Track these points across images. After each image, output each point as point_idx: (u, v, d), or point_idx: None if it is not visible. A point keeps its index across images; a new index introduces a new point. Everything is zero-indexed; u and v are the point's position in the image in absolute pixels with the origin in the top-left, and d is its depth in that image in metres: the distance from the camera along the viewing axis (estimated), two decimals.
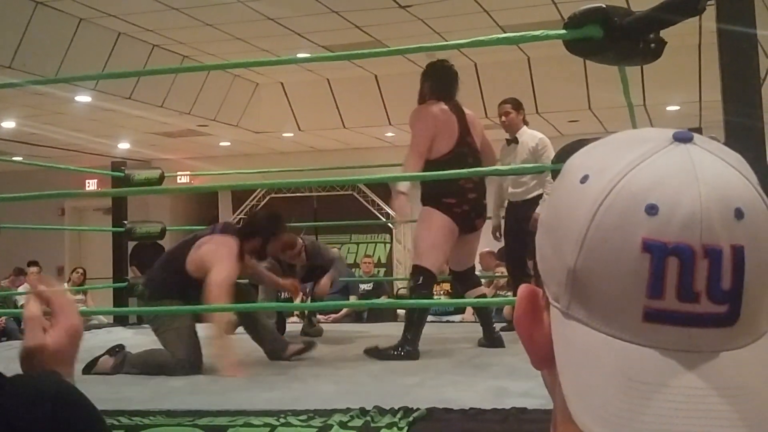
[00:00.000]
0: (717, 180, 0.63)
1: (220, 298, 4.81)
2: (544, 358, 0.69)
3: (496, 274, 10.46)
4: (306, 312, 7.18)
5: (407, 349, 5.08)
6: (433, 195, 5.46)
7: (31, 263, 12.63)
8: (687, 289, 0.61)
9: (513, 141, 6.82)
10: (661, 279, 0.61)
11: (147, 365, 4.88)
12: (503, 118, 6.97)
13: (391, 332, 6.67)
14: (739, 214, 0.62)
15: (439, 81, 5.64)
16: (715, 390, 0.60)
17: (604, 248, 0.63)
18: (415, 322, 5.23)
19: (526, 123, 7.01)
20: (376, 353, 5.10)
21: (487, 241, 12.70)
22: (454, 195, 5.41)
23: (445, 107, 5.52)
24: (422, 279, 5.35)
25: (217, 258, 4.98)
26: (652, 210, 0.62)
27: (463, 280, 5.94)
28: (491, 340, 5.55)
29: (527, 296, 0.71)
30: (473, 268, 5.96)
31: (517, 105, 7.00)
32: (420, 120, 5.49)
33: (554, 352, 0.67)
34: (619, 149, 0.66)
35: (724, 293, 0.61)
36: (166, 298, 5.11)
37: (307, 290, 10.73)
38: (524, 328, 0.71)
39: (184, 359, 4.82)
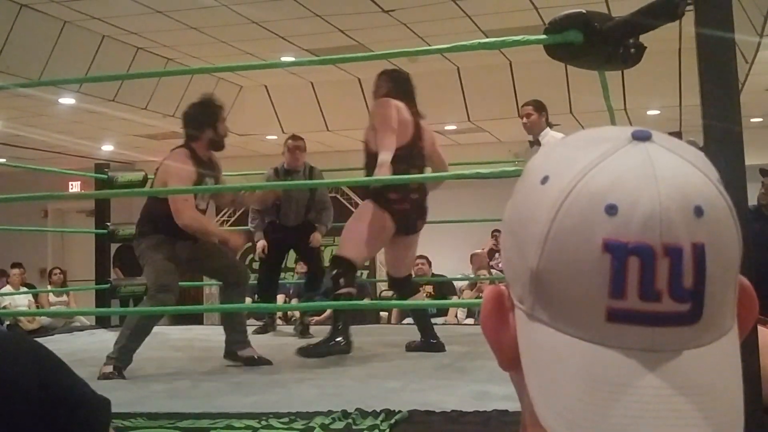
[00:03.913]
0: (676, 178, 0.63)
1: (184, 210, 5.13)
2: (510, 360, 0.69)
3: (480, 276, 10.49)
4: (299, 315, 7.16)
5: (338, 341, 5.09)
6: (376, 189, 5.36)
7: (14, 265, 12.58)
8: (649, 289, 0.61)
9: (535, 143, 6.72)
10: (623, 279, 0.61)
11: (128, 326, 5.03)
12: (524, 120, 6.90)
13: (373, 334, 6.69)
14: (698, 211, 0.62)
15: (401, 87, 5.58)
16: (679, 389, 0.61)
17: (565, 250, 0.63)
18: (341, 311, 5.25)
19: (550, 125, 6.91)
20: (306, 352, 5.11)
21: (480, 241, 12.82)
22: (399, 191, 5.33)
23: (402, 105, 5.45)
24: (343, 270, 5.27)
25: (171, 170, 5.24)
26: (611, 210, 0.62)
27: (399, 288, 5.86)
28: (429, 345, 5.55)
29: (493, 298, 0.70)
30: (411, 275, 5.92)
31: (540, 107, 6.91)
32: (386, 108, 5.39)
33: (520, 354, 0.67)
34: (578, 149, 0.66)
35: (686, 292, 0.61)
36: (152, 234, 5.25)
37: (291, 292, 10.71)
38: (490, 330, 0.71)
39: (162, 285, 5.06)
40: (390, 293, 12.66)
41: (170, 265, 5.20)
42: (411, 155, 5.39)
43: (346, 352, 5.07)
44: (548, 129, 6.80)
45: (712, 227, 0.62)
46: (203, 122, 5.35)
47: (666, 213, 0.61)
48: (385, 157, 5.15)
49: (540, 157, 0.69)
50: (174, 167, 5.23)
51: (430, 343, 5.56)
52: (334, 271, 5.34)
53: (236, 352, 5.21)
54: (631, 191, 0.62)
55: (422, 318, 5.81)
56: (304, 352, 5.10)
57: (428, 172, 5.69)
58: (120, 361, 4.84)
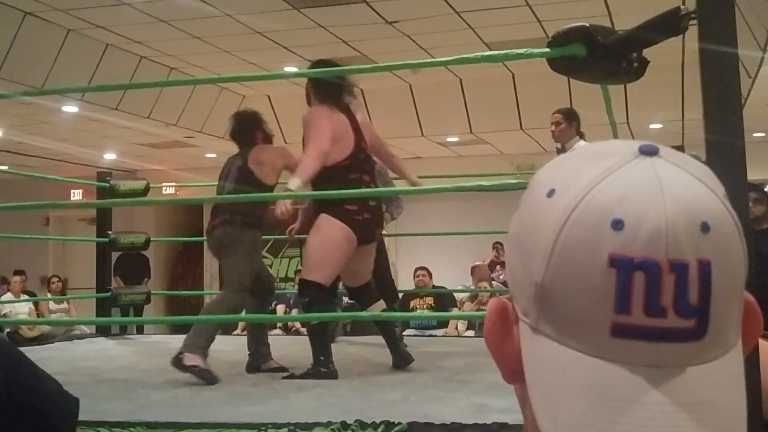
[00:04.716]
0: (683, 194, 0.62)
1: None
2: (514, 373, 0.69)
3: (480, 289, 10.48)
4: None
5: (322, 370, 4.85)
6: (333, 202, 5.04)
7: (17, 272, 12.62)
8: (654, 304, 0.61)
9: (562, 152, 6.60)
10: (628, 294, 0.61)
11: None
12: (553, 127, 6.73)
13: (373, 344, 6.68)
14: (705, 227, 0.62)
15: (324, 82, 5.25)
16: (683, 406, 0.60)
17: (570, 263, 0.63)
18: (319, 340, 4.97)
19: (581, 135, 6.70)
20: (292, 378, 4.90)
21: (482, 253, 12.82)
22: (356, 202, 5.06)
23: (337, 112, 5.17)
24: (315, 295, 5.03)
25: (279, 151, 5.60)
26: (617, 225, 0.61)
27: (360, 297, 5.57)
28: (402, 359, 5.25)
29: (497, 310, 0.70)
30: (371, 282, 5.57)
31: (569, 115, 6.76)
32: (318, 118, 5.07)
33: (523, 367, 0.67)
34: (585, 163, 0.66)
35: (691, 308, 0.61)
36: (252, 229, 5.38)
37: (291, 302, 10.69)
38: (494, 343, 0.70)
39: (246, 286, 5.23)
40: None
41: (254, 269, 5.38)
42: (359, 161, 5.19)
43: (332, 378, 4.83)
44: (579, 139, 6.59)
45: (718, 244, 0.62)
46: (253, 127, 5.68)
47: (672, 229, 0.61)
48: (301, 178, 4.89)
49: (547, 169, 0.69)
50: (277, 149, 5.63)
51: (401, 358, 5.26)
52: (306, 300, 5.08)
53: (260, 366, 5.28)
54: (638, 206, 0.62)
55: (388, 330, 5.40)
56: (289, 378, 4.93)
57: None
58: (204, 351, 4.90)
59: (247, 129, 5.68)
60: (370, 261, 5.46)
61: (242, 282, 5.25)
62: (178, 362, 4.80)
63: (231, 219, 5.35)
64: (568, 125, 6.65)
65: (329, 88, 5.21)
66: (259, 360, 5.32)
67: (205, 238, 5.90)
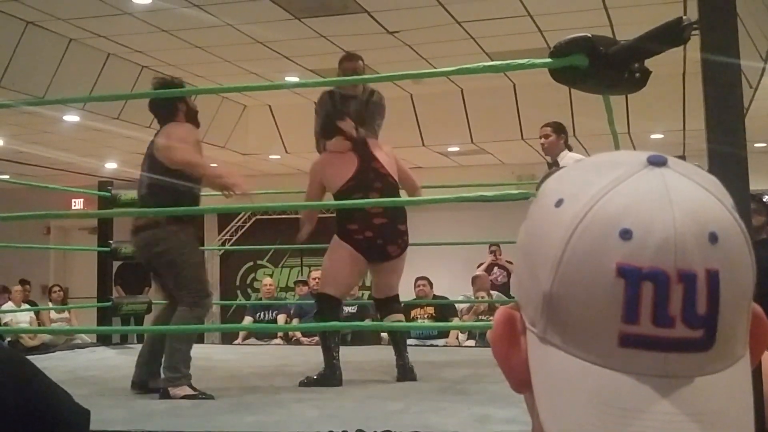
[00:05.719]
0: (691, 204, 0.62)
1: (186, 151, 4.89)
2: (521, 382, 0.68)
3: (478, 299, 10.46)
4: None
5: (327, 373, 5.10)
6: (338, 223, 5.44)
7: (22, 282, 12.63)
8: (662, 314, 0.61)
9: (554, 164, 6.66)
10: (636, 304, 0.61)
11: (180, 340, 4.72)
12: (542, 140, 6.87)
13: (374, 355, 6.67)
14: (713, 237, 0.62)
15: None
16: (691, 416, 0.60)
17: (578, 273, 0.63)
18: (325, 343, 5.23)
19: (569, 147, 6.88)
20: (306, 383, 5.05)
21: (482, 261, 12.79)
22: (357, 221, 5.31)
23: (337, 155, 5.56)
24: (322, 305, 5.42)
25: (174, 134, 4.97)
26: (626, 235, 0.61)
27: (380, 308, 5.77)
28: (403, 372, 5.27)
29: (504, 320, 0.70)
30: (394, 297, 5.70)
31: (558, 128, 6.88)
32: (310, 172, 5.70)
33: (531, 377, 0.67)
34: (593, 173, 0.66)
35: (699, 318, 0.61)
36: (186, 223, 5.00)
37: (292, 311, 10.67)
38: (501, 353, 0.70)
39: (206, 291, 4.93)
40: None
41: (202, 271, 5.04)
42: (366, 180, 5.39)
43: (335, 384, 5.03)
44: (567, 151, 6.77)
45: (726, 254, 0.62)
46: (172, 98, 5.11)
47: (681, 239, 0.61)
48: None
49: (555, 179, 0.69)
50: (177, 129, 5.02)
51: (405, 372, 5.28)
52: (315, 310, 5.52)
53: (148, 383, 4.86)
54: (646, 216, 0.62)
55: (399, 342, 5.43)
56: (303, 383, 5.05)
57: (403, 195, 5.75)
58: (188, 378, 4.66)
59: (167, 101, 5.08)
60: (391, 277, 5.64)
61: (197, 293, 4.85)
62: (167, 396, 4.56)
63: (156, 218, 4.94)
64: (557, 138, 6.83)
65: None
66: (147, 376, 4.89)
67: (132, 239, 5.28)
